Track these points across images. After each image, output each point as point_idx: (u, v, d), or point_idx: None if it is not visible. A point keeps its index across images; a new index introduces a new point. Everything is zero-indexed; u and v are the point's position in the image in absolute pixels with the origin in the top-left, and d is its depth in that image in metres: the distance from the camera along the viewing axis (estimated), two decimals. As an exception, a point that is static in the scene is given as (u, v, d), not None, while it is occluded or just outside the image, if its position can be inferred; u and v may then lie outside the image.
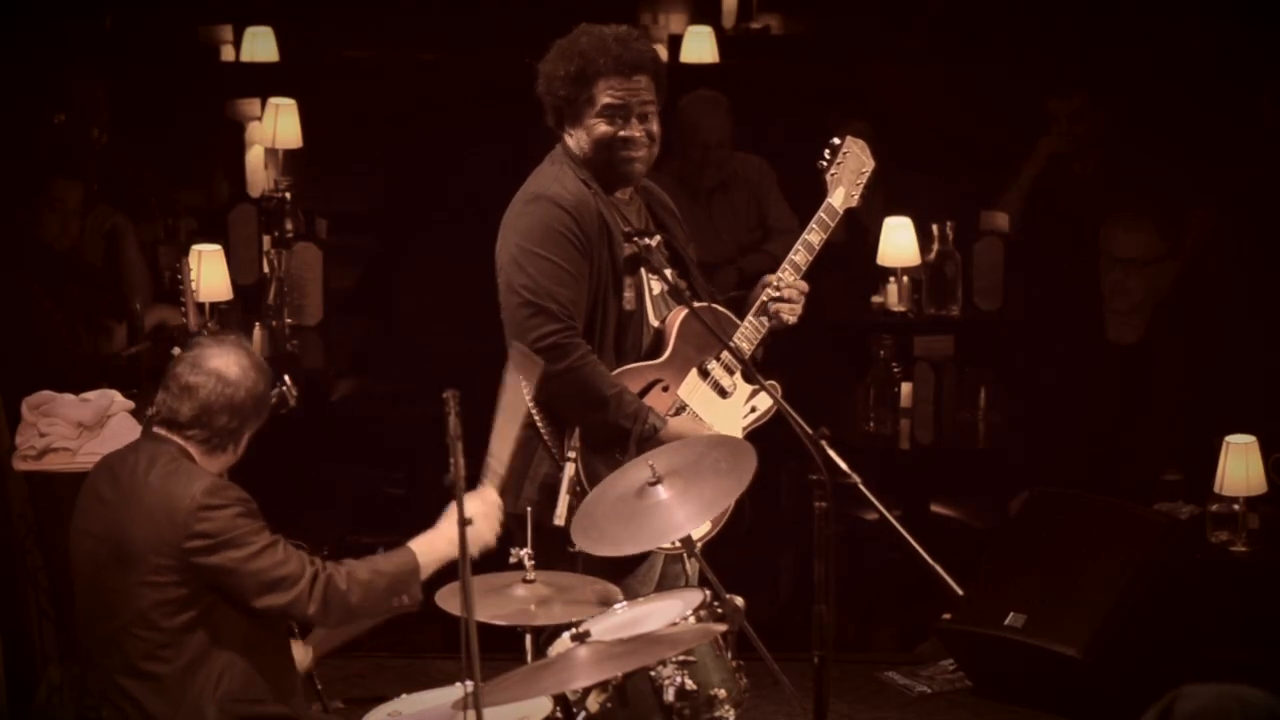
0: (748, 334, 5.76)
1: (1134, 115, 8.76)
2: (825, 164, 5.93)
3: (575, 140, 5.71)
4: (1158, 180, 8.45)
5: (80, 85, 8.62)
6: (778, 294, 5.75)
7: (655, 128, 5.72)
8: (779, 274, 5.78)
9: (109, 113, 8.62)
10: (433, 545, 5.15)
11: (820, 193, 5.93)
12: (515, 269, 5.61)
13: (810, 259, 5.81)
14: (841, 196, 5.92)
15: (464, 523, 4.48)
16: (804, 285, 5.79)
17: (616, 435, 5.55)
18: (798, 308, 5.78)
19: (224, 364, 5.12)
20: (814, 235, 5.83)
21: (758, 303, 5.76)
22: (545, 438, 5.63)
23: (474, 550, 5.13)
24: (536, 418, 5.65)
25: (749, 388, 5.78)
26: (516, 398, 5.25)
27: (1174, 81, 8.81)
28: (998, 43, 9.52)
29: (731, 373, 5.77)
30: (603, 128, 5.66)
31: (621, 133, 5.66)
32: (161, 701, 5.01)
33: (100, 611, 5.08)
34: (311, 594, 5.01)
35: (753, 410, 5.81)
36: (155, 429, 5.14)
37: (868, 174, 5.96)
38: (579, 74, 5.65)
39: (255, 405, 5.16)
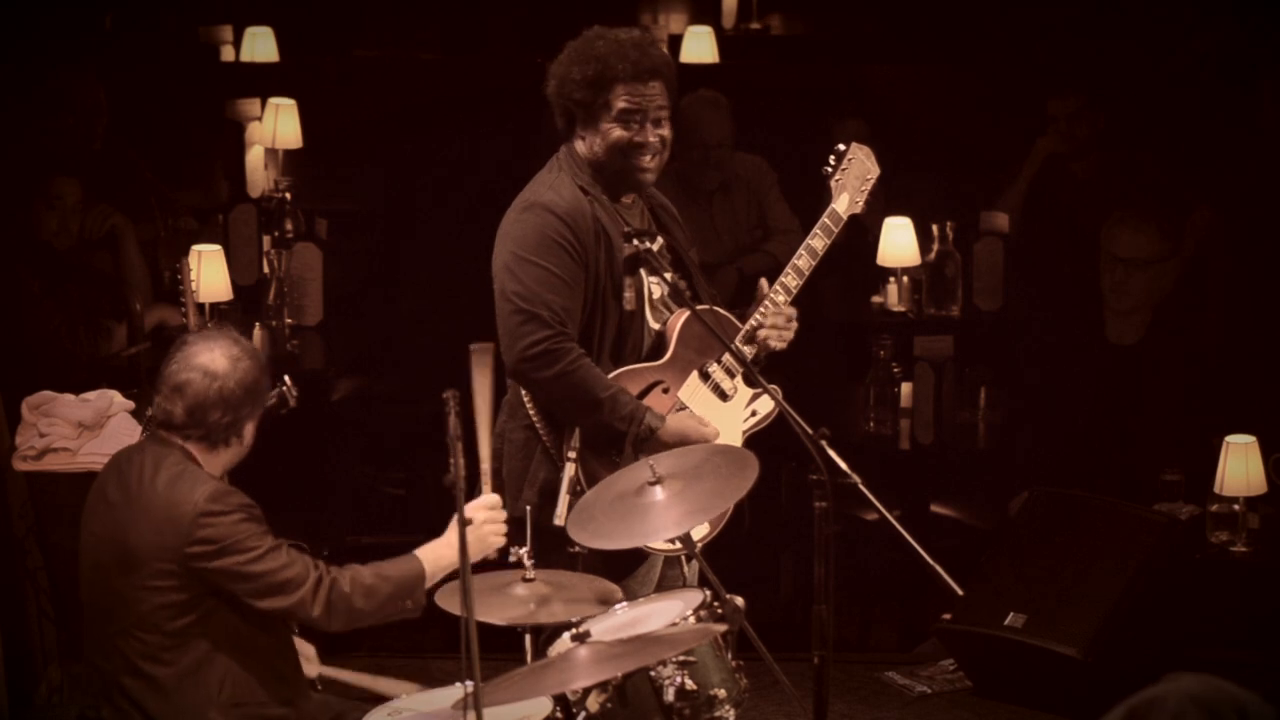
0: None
1: (1134, 115, 8.76)
2: (830, 170, 5.92)
3: (587, 144, 5.71)
4: (1158, 180, 8.46)
5: (80, 85, 8.61)
6: (763, 321, 5.74)
7: (667, 132, 5.74)
8: (771, 294, 5.76)
9: (109, 113, 8.61)
10: (439, 553, 5.14)
11: (822, 194, 5.93)
12: (508, 276, 5.62)
13: (814, 264, 5.81)
14: (846, 203, 5.92)
15: (464, 523, 4.49)
16: (792, 311, 5.78)
17: (614, 437, 5.56)
18: (787, 334, 5.77)
19: (210, 358, 5.08)
20: (817, 241, 5.83)
21: (744, 329, 5.75)
22: (545, 440, 5.63)
23: (482, 554, 5.14)
24: (536, 421, 5.66)
25: (749, 391, 5.79)
26: (484, 396, 5.22)
27: (1174, 81, 8.81)
28: (998, 43, 9.53)
29: (732, 376, 5.77)
30: (618, 132, 5.67)
31: (636, 138, 5.68)
32: (162, 703, 5.01)
33: (103, 613, 5.09)
34: (316, 597, 5.01)
35: (753, 414, 5.80)
36: (158, 431, 5.14)
37: (873, 180, 5.96)
38: (597, 78, 5.65)
39: (248, 394, 5.10)
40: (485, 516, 5.17)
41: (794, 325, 5.78)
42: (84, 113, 8.56)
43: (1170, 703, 3.45)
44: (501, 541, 5.21)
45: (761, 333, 5.74)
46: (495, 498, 5.22)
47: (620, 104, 5.66)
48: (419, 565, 5.12)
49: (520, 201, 5.72)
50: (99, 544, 5.09)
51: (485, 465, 5.19)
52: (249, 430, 5.15)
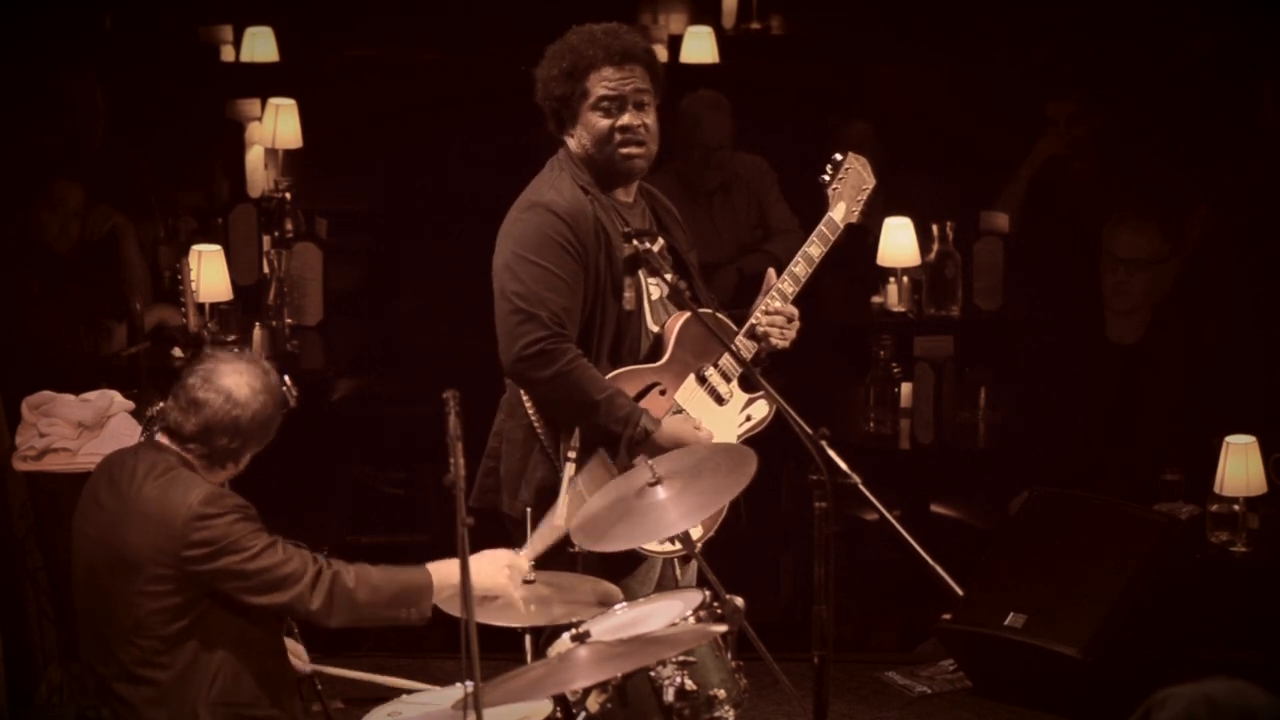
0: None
1: (1134, 115, 8.76)
2: (827, 179, 5.94)
3: (576, 140, 5.71)
4: (1158, 180, 8.46)
5: (80, 85, 8.61)
6: (766, 318, 5.74)
7: (652, 120, 5.71)
8: (769, 299, 5.77)
9: (109, 113, 8.61)
10: (451, 570, 5.13)
11: (820, 195, 5.94)
12: (509, 275, 5.62)
13: (810, 271, 5.81)
14: (842, 211, 5.93)
15: (464, 524, 4.48)
16: (793, 310, 5.78)
17: (609, 439, 5.55)
18: (789, 332, 5.77)
19: (235, 383, 5.09)
20: (814, 248, 5.83)
21: (746, 325, 5.76)
22: (543, 440, 5.63)
23: (483, 591, 5.10)
24: (534, 420, 5.65)
25: (745, 396, 5.79)
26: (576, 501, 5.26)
27: (1174, 81, 8.81)
28: (998, 43, 9.53)
29: (728, 380, 5.77)
30: (601, 121, 5.67)
31: (618, 123, 5.66)
32: (157, 708, 5.01)
33: (97, 617, 5.08)
34: (315, 589, 5.01)
35: (747, 419, 5.81)
36: (158, 436, 5.13)
37: (869, 190, 5.99)
38: (571, 69, 5.66)
39: (259, 428, 5.13)
40: (508, 561, 5.17)
41: (796, 324, 5.78)
42: (84, 113, 8.56)
43: (1185, 698, 3.47)
44: (509, 593, 5.18)
45: (761, 329, 5.74)
46: (525, 563, 5.21)
47: (598, 90, 5.66)
48: (427, 577, 5.12)
49: (522, 201, 5.72)
50: (92, 548, 5.08)
51: (559, 522, 5.21)
52: (246, 459, 5.17)
